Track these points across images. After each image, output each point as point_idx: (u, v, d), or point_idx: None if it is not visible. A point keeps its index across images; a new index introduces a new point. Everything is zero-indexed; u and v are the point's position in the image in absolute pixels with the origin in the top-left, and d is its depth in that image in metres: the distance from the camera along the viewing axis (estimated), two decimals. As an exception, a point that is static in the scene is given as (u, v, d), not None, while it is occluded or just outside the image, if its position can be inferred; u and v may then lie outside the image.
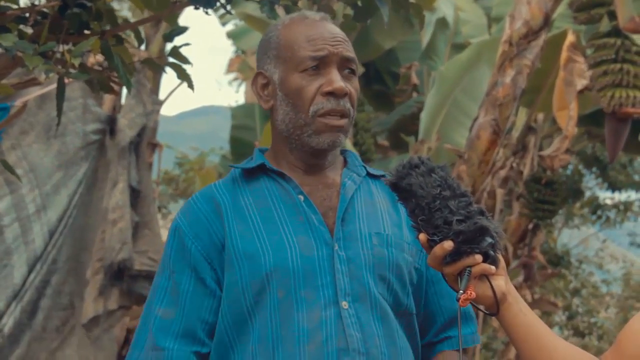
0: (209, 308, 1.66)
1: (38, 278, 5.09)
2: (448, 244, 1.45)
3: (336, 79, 1.67)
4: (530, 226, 8.78)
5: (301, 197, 1.69)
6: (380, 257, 1.68)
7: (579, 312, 14.37)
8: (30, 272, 5.05)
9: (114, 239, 5.37)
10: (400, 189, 1.52)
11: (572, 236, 16.47)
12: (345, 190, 1.72)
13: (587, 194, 13.50)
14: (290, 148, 1.73)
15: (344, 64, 1.70)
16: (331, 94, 1.67)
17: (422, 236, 1.48)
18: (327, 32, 1.71)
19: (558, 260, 11.53)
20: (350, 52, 1.72)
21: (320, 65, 1.69)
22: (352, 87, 1.71)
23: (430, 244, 1.48)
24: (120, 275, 5.38)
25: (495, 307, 1.49)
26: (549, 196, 8.29)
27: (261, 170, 1.73)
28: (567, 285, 14.17)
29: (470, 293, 1.45)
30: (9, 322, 4.91)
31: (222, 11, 9.37)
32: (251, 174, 1.74)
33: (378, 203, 1.76)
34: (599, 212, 13.81)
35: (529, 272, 8.73)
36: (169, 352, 1.63)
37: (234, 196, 1.71)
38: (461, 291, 1.45)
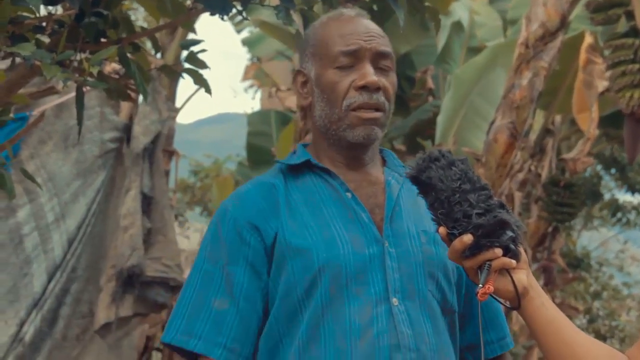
0: (262, 301, 1.65)
1: (58, 286, 5.11)
2: (467, 238, 1.45)
3: (369, 73, 1.68)
4: (550, 229, 8.73)
5: (349, 195, 1.70)
6: (429, 254, 1.68)
7: (600, 315, 14.25)
8: (50, 280, 5.08)
9: (124, 245, 5.38)
10: (420, 182, 1.52)
11: (591, 239, 16.35)
12: (391, 189, 1.73)
13: (607, 196, 13.39)
14: (328, 143, 1.74)
15: (378, 59, 1.71)
16: (364, 87, 1.68)
17: (442, 230, 1.49)
18: (361, 27, 1.72)
19: (578, 263, 11.45)
20: (384, 47, 1.72)
21: (353, 60, 1.70)
22: (388, 81, 1.72)
23: (450, 238, 1.48)
24: (131, 281, 5.38)
25: (516, 301, 1.48)
26: (567, 199, 8.24)
27: (306, 167, 1.74)
28: (588, 288, 14.06)
29: (489, 287, 1.44)
30: (29, 330, 4.94)
31: (237, 18, 9.40)
32: (296, 170, 1.75)
33: (420, 202, 1.76)
34: (618, 214, 13.70)
35: (549, 275, 8.68)
36: (220, 353, 1.62)
37: (286, 190, 1.71)
38: (480, 285, 1.44)
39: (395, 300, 1.62)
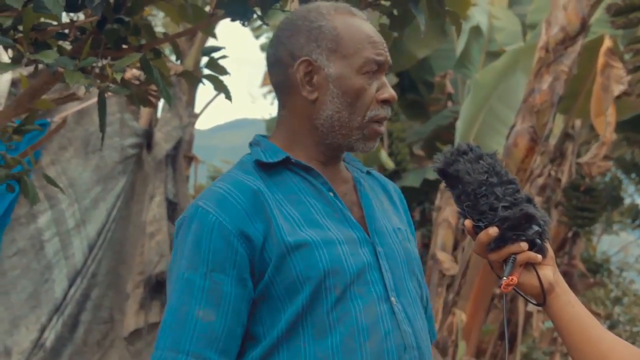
0: (246, 311, 1.57)
1: (78, 292, 5.14)
2: (493, 230, 1.45)
3: (389, 87, 1.67)
4: (570, 234, 8.68)
5: (332, 194, 1.65)
6: (407, 252, 1.69)
7: (621, 321, 14.12)
8: (70, 286, 5.10)
9: (152, 252, 5.41)
10: (448, 175, 1.52)
11: (612, 243, 16.22)
12: (362, 188, 1.70)
13: (627, 200, 13.29)
14: (316, 142, 1.65)
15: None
16: (386, 101, 1.66)
17: (468, 222, 1.48)
18: (378, 36, 1.68)
19: (598, 269, 11.35)
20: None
21: (376, 69, 1.65)
22: None
23: (476, 230, 1.48)
24: (159, 288, 5.41)
25: (541, 297, 1.47)
26: (588, 203, 8.18)
27: (281, 163, 1.65)
28: (608, 293, 13.93)
29: (512, 278, 1.43)
30: (50, 336, 4.96)
31: (255, 23, 9.40)
32: (269, 166, 1.65)
33: (381, 198, 1.76)
34: (639, 219, 13.59)
35: (569, 281, 8.61)
36: None
37: (268, 191, 1.61)
38: (504, 278, 1.44)
39: (393, 299, 1.61)
